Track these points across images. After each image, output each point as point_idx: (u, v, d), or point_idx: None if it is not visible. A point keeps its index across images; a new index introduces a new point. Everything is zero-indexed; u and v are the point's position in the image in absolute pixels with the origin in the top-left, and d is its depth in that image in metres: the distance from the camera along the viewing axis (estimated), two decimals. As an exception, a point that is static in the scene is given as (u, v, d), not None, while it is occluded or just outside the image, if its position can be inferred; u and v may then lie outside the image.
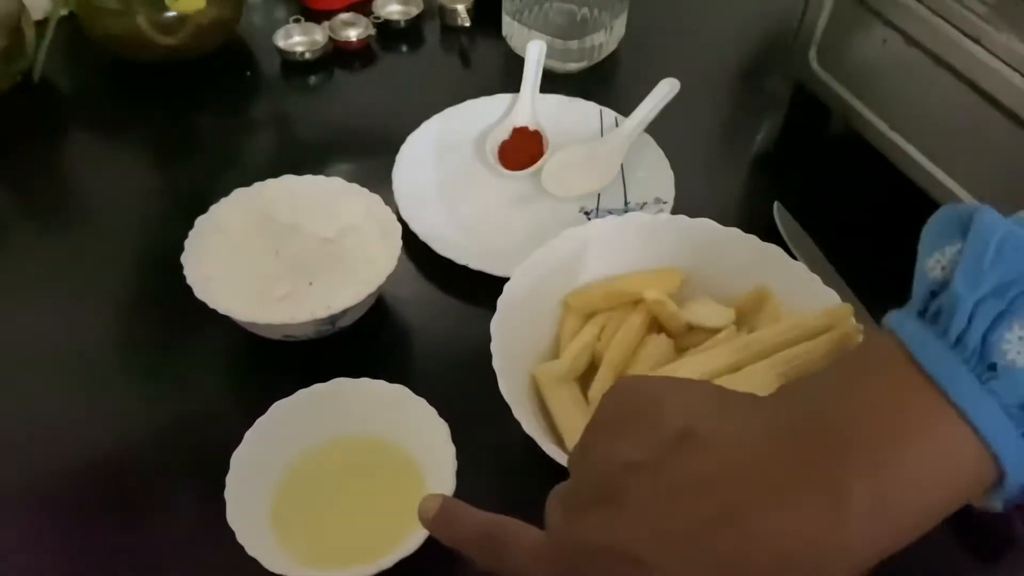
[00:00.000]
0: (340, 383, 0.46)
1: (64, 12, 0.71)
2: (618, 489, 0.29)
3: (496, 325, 0.47)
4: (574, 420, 0.46)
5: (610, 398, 0.32)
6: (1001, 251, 0.25)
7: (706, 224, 0.53)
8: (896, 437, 0.26)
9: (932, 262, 0.28)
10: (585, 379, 0.49)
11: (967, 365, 0.25)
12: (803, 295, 0.50)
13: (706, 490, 0.27)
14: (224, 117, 0.73)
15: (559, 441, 0.46)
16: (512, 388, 0.44)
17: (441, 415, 0.46)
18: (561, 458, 0.42)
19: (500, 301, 0.48)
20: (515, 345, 0.48)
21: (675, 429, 0.29)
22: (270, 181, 0.56)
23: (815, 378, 0.29)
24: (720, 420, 0.29)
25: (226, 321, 0.50)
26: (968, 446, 0.25)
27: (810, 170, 0.69)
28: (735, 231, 0.52)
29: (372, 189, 0.57)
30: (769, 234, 0.59)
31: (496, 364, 0.45)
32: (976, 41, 0.52)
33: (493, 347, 0.45)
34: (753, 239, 0.52)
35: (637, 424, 0.30)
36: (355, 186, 0.57)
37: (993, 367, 0.25)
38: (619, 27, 0.77)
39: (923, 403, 0.25)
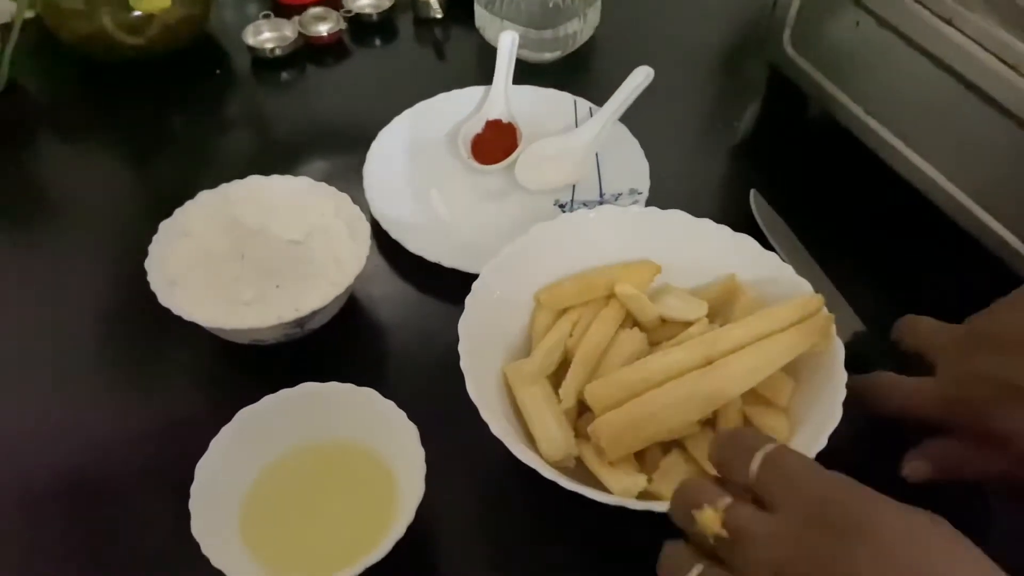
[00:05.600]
0: (307, 388, 0.46)
1: (29, 15, 0.70)
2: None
3: (464, 324, 0.46)
4: (545, 418, 0.45)
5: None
6: None
7: (678, 215, 0.52)
8: None
9: None
10: (558, 375, 0.48)
11: None
12: (776, 285, 0.49)
13: None
14: (195, 116, 0.72)
15: (530, 439, 0.45)
16: (482, 388, 0.44)
17: (412, 417, 0.45)
18: (528, 459, 0.41)
19: (468, 300, 0.47)
20: (486, 343, 0.47)
21: None
22: (236, 183, 0.55)
23: None
24: None
25: (193, 326, 0.50)
26: None
27: (787, 157, 0.68)
28: (707, 221, 0.52)
29: (344, 186, 0.56)
30: (746, 222, 0.59)
31: (464, 365, 0.44)
32: (948, 22, 0.51)
33: (461, 347, 0.45)
34: (725, 229, 0.51)
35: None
36: (323, 185, 0.56)
37: None
38: (593, 15, 0.75)
39: None
